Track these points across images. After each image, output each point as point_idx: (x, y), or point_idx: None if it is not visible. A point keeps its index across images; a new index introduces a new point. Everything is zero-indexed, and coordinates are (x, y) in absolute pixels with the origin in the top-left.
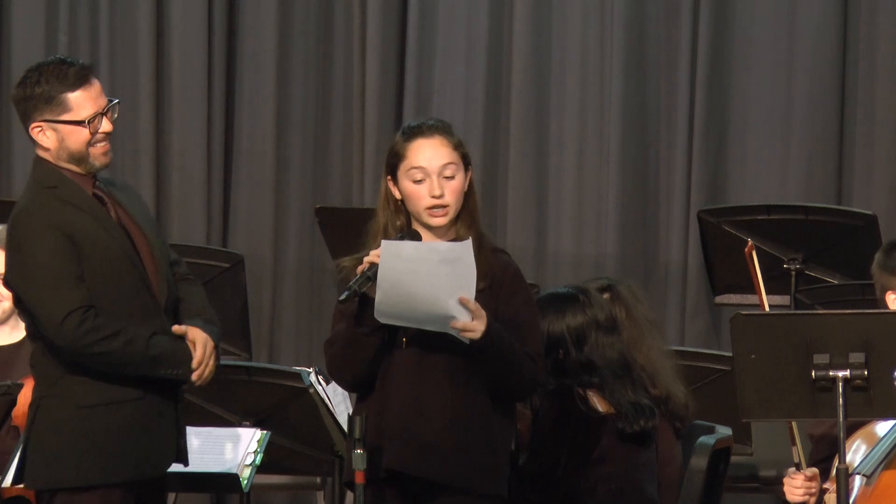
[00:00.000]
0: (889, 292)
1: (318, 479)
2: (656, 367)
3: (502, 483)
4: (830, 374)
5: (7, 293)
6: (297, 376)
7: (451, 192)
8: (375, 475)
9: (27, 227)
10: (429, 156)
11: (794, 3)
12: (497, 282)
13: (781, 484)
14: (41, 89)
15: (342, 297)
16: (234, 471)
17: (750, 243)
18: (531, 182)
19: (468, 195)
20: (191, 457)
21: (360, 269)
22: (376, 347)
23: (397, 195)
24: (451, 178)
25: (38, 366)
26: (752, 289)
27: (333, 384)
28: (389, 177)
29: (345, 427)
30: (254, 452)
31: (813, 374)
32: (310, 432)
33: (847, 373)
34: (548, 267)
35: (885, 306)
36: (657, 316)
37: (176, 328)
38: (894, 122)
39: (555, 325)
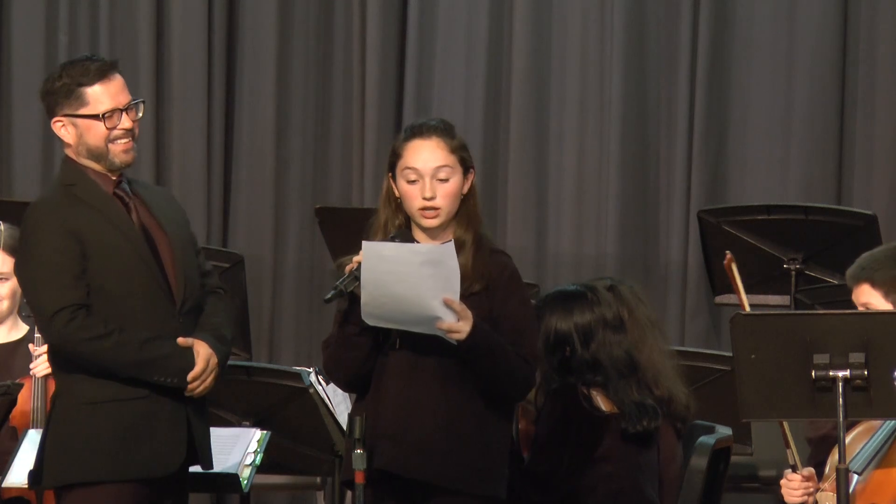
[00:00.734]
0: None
1: (318, 479)
2: (659, 367)
3: (497, 484)
4: (830, 374)
5: (5, 293)
6: (297, 376)
7: (444, 194)
8: (368, 475)
9: (35, 222)
10: (423, 157)
11: (794, 3)
12: (494, 283)
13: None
14: (62, 83)
15: (327, 296)
16: (234, 471)
17: (728, 255)
18: (531, 182)
19: (467, 198)
20: None
21: (348, 268)
22: (368, 348)
23: (397, 193)
24: (445, 180)
25: (54, 363)
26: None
27: (333, 384)
28: (390, 174)
29: (345, 427)
30: (254, 452)
31: (813, 374)
32: (310, 432)
33: (847, 373)
34: (548, 267)
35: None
36: (658, 316)
37: (181, 340)
38: (894, 122)
39: (562, 323)
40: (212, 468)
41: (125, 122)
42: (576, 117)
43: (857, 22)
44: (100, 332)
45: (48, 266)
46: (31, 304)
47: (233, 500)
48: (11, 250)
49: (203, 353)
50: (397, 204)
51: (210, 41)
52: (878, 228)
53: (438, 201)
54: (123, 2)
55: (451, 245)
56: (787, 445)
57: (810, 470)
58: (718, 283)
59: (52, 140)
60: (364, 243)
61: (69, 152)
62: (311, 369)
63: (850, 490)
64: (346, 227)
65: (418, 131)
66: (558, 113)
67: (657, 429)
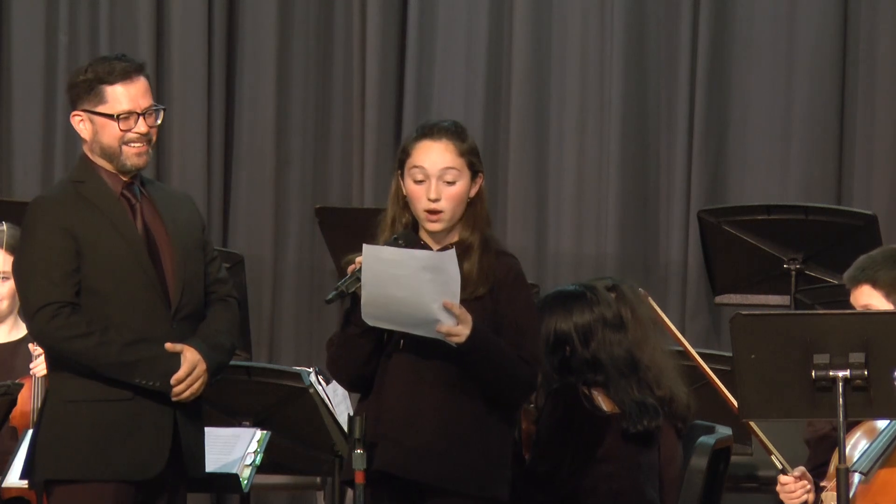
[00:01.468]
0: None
1: (318, 479)
2: (661, 367)
3: (498, 486)
4: (830, 374)
5: (5, 292)
6: (297, 376)
7: (449, 198)
8: (368, 476)
9: (34, 216)
10: (431, 158)
11: (794, 3)
12: (499, 283)
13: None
14: (85, 78)
15: (329, 296)
16: (234, 471)
17: (642, 293)
18: (531, 182)
19: (474, 201)
20: None
21: (350, 268)
22: (370, 349)
23: (405, 191)
24: (452, 183)
25: (47, 361)
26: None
27: (334, 384)
28: (399, 172)
29: (345, 427)
30: (254, 452)
31: (813, 374)
32: (310, 432)
33: (847, 373)
34: (548, 267)
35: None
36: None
37: (169, 346)
38: (894, 122)
39: (562, 323)
40: (200, 475)
41: (141, 126)
42: (576, 117)
43: (857, 21)
44: (81, 331)
45: (39, 262)
46: (19, 299)
47: (233, 500)
48: (13, 250)
49: (190, 358)
50: (405, 202)
51: (210, 41)
52: (878, 228)
53: (442, 204)
54: (123, 2)
55: (452, 252)
56: (770, 452)
57: (801, 469)
58: (718, 283)
59: (52, 140)
60: (364, 246)
61: (85, 148)
62: (311, 369)
63: (854, 490)
64: (346, 227)
65: (429, 132)
66: (558, 113)
67: (658, 428)
